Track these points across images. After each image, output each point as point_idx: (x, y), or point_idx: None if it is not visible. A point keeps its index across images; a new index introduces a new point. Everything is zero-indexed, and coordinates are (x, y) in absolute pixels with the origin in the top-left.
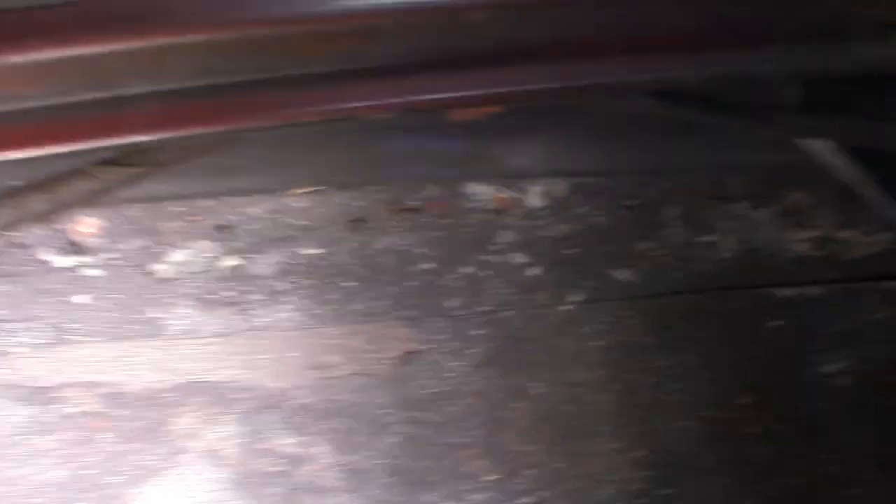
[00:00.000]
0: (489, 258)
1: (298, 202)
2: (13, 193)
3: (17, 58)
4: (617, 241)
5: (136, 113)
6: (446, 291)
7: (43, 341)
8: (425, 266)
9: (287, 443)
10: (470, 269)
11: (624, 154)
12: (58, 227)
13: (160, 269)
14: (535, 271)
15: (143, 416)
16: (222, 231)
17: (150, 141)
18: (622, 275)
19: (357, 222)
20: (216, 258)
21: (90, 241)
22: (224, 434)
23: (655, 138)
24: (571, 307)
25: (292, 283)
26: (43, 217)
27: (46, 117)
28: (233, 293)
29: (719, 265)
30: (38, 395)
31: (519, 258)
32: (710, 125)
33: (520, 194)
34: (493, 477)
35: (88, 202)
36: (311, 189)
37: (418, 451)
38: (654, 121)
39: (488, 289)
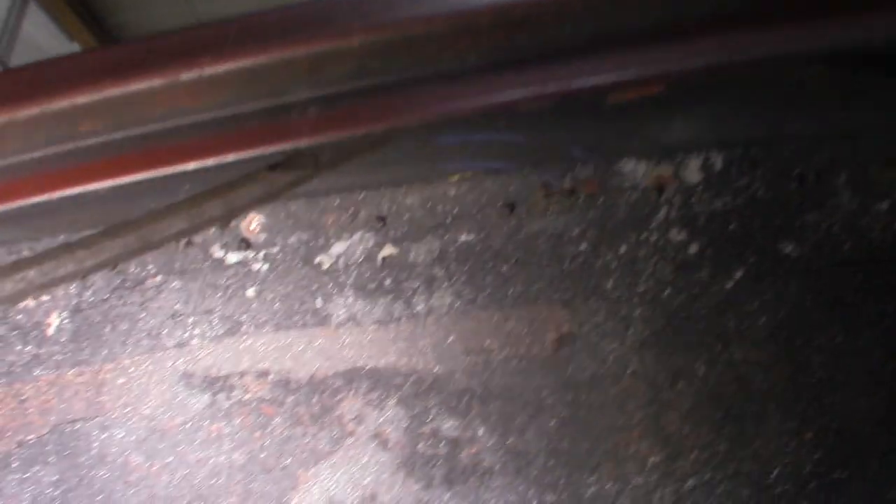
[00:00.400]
0: (646, 237)
1: (452, 189)
2: (190, 201)
3: (185, 75)
4: (781, 213)
5: (299, 119)
6: (602, 272)
7: (217, 333)
8: (581, 247)
9: (449, 426)
10: (626, 249)
11: (787, 121)
12: (228, 223)
13: (322, 260)
14: (695, 248)
15: (311, 402)
16: (380, 221)
17: (314, 145)
18: (788, 248)
19: (510, 206)
20: (375, 248)
21: (256, 237)
22: (388, 418)
23: (820, 103)
24: (734, 284)
25: (449, 269)
26: (218, 221)
27: (216, 129)
28: (392, 281)
29: (894, 234)
30: (215, 383)
31: (677, 235)
32: (882, 86)
33: (676, 169)
34: (657, 459)
35: (259, 205)
36: (464, 176)
37: (579, 433)
38: (821, 86)
39: (646, 268)
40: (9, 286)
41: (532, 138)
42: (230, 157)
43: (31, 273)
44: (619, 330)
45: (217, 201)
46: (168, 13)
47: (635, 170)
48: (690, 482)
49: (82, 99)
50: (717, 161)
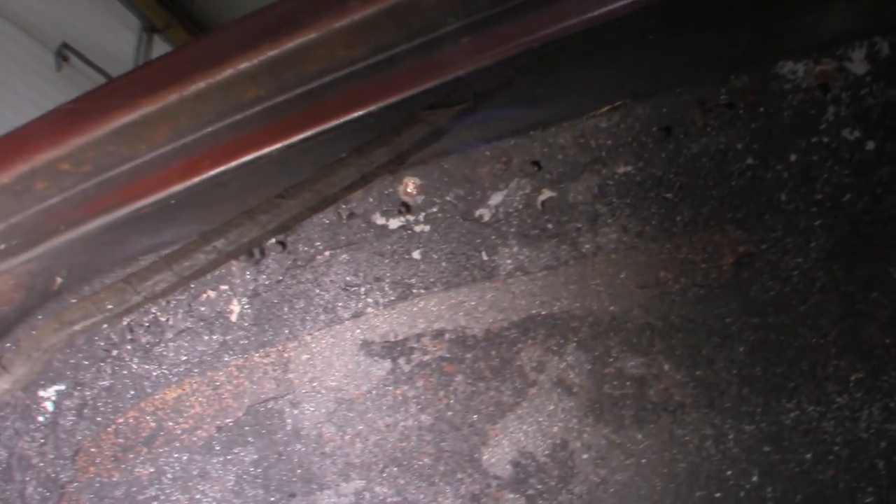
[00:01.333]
0: (817, 140)
1: (603, 122)
2: (358, 152)
3: (339, 23)
4: None
5: (452, 50)
6: (775, 185)
7: (389, 299)
8: (747, 162)
9: (633, 364)
10: (797, 157)
11: None
12: (385, 192)
13: (482, 213)
14: (872, 145)
15: (491, 355)
16: (534, 165)
17: (470, 73)
18: None
19: (666, 130)
20: (533, 193)
21: (415, 200)
22: (569, 363)
23: None
24: None
25: (611, 204)
26: (387, 168)
27: (373, 75)
28: (555, 225)
29: None
30: (394, 348)
31: (851, 134)
32: None
33: (839, 63)
34: (860, 375)
35: (424, 147)
36: (614, 105)
37: (771, 358)
38: None
39: (821, 174)
40: (202, 258)
41: (678, 54)
42: (392, 100)
43: (220, 242)
44: (800, 244)
45: (384, 149)
46: None
47: (795, 71)
48: None
49: (246, 64)
50: (884, 47)
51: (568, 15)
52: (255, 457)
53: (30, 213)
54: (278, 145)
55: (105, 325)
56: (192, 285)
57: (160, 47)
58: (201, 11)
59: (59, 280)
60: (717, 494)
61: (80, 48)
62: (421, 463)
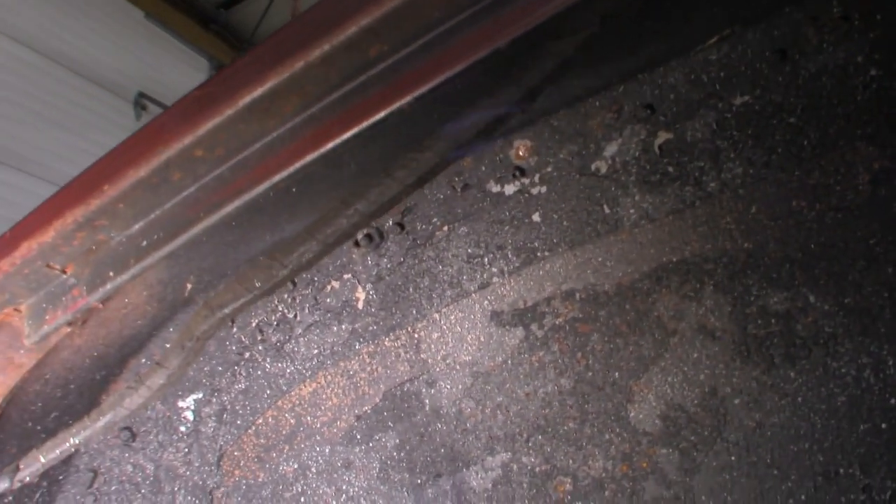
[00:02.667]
0: None
1: (713, 54)
2: (484, 95)
3: None
4: None
5: None
6: None
7: (514, 266)
8: (870, 73)
9: (776, 300)
10: None
11: None
12: (497, 158)
13: (598, 166)
14: None
15: (625, 309)
16: (646, 109)
17: None
18: None
19: (781, 53)
20: (648, 138)
21: (528, 162)
22: (708, 307)
23: None
24: None
25: (732, 138)
26: (521, 107)
27: (493, 14)
28: (675, 167)
29: None
30: (525, 315)
31: None
32: None
33: None
34: None
35: (554, 78)
36: (722, 35)
37: None
38: None
39: None
40: (344, 222)
41: None
42: (516, 34)
43: (361, 204)
44: None
45: (513, 87)
46: None
47: None
48: None
49: (368, 20)
50: None
51: None
52: (397, 441)
53: (168, 206)
54: (407, 99)
55: (253, 307)
56: (316, 278)
57: None
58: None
59: (188, 287)
60: (884, 425)
61: (156, 95)
62: (566, 428)
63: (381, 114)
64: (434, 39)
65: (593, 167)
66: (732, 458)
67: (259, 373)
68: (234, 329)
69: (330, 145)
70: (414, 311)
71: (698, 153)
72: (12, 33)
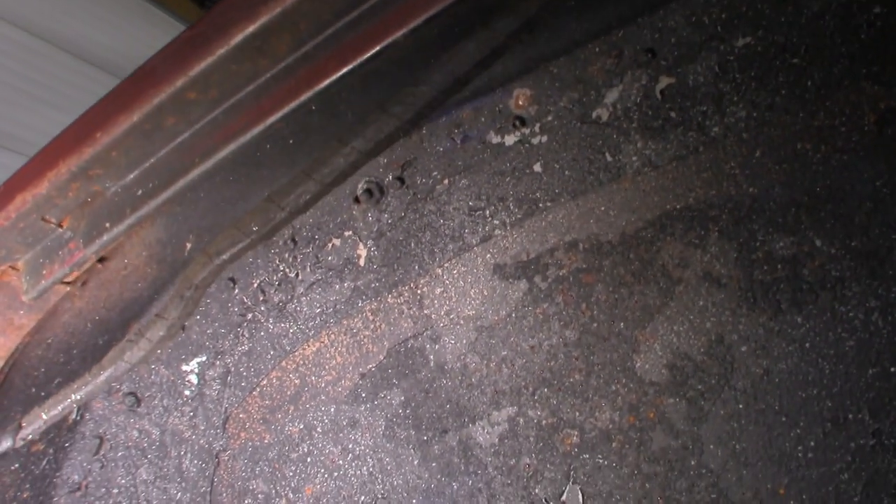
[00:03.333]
0: None
1: None
2: (481, 26)
3: None
4: None
5: None
6: None
7: (516, 217)
8: (875, 11)
9: (782, 245)
10: None
11: None
12: (496, 108)
13: (599, 113)
14: None
15: (629, 259)
16: (647, 54)
17: None
18: None
19: None
20: (650, 83)
21: (527, 112)
22: (714, 254)
23: None
24: None
25: (735, 80)
26: (519, 39)
27: None
28: (678, 112)
29: None
30: (528, 267)
31: None
32: None
33: None
34: None
35: (552, 6)
36: None
37: None
38: None
39: None
40: (342, 161)
41: None
42: None
43: (357, 142)
44: None
45: (510, 17)
46: None
47: None
48: None
49: None
50: None
51: None
52: (402, 398)
53: (163, 152)
54: (401, 32)
55: (240, 261)
56: (317, 236)
57: None
58: None
59: (188, 245)
60: (892, 369)
61: None
62: (572, 380)
63: (375, 49)
64: None
65: (594, 115)
66: (740, 405)
67: (262, 333)
68: (236, 290)
69: (325, 83)
70: (416, 267)
71: (701, 97)
72: (2, 14)
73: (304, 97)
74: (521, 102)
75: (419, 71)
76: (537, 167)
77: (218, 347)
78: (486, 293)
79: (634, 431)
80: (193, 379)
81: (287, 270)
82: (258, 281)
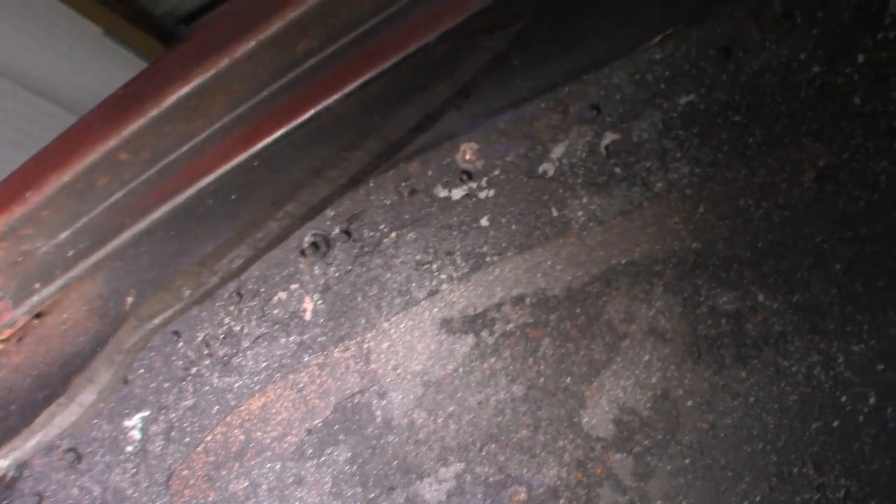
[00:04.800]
0: (883, 36)
1: (657, 53)
2: (417, 91)
3: None
4: None
5: None
6: (848, 89)
7: (463, 272)
8: (814, 70)
9: (725, 300)
10: (865, 56)
11: None
12: (443, 162)
13: (546, 168)
14: None
15: (575, 313)
16: (592, 110)
17: None
18: None
19: (724, 51)
20: (595, 139)
21: (475, 166)
22: (659, 309)
23: None
24: None
25: (678, 137)
26: (451, 100)
27: (425, 6)
28: (622, 168)
29: None
30: (475, 322)
31: None
32: None
33: None
34: None
35: (487, 72)
36: (666, 34)
37: (870, 271)
38: None
39: (894, 71)
40: (275, 225)
41: None
42: (446, 28)
43: (291, 206)
44: (883, 146)
45: (446, 82)
46: None
47: None
48: None
49: (295, 13)
50: None
51: None
52: (349, 454)
53: (95, 212)
54: (336, 96)
55: (184, 315)
56: (262, 289)
57: None
58: None
59: (129, 300)
60: (835, 423)
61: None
62: (520, 436)
63: (311, 112)
64: (363, 34)
65: (540, 170)
66: (686, 461)
67: (206, 388)
68: (180, 343)
69: (259, 146)
70: (363, 321)
71: (645, 153)
72: None
73: (238, 159)
74: (468, 157)
75: (354, 135)
76: (484, 221)
77: (161, 402)
78: (433, 348)
79: (582, 488)
80: (136, 434)
81: (232, 324)
82: (203, 334)
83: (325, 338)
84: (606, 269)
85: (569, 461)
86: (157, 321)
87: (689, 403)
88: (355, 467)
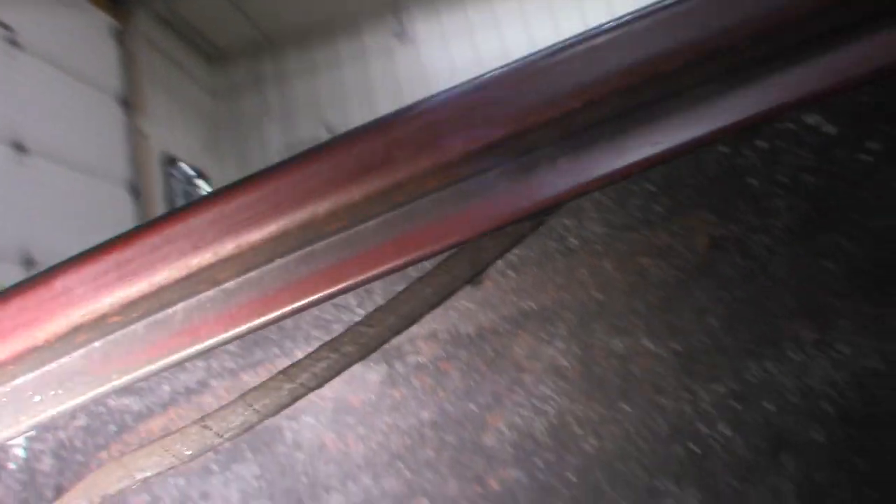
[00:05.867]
0: (783, 127)
1: None
2: (439, 270)
3: (425, 162)
4: None
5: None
6: (743, 170)
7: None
8: (721, 148)
9: (618, 343)
10: (766, 144)
11: None
12: None
13: None
14: (832, 129)
15: (483, 350)
16: None
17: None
18: None
19: None
20: None
21: None
22: (560, 349)
23: None
24: (873, 157)
25: (595, 199)
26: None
27: (462, 203)
28: (543, 224)
29: None
30: (388, 353)
31: (811, 118)
32: None
33: None
34: (813, 336)
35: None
36: None
37: (738, 326)
38: None
39: (784, 158)
40: (285, 394)
41: None
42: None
43: (304, 377)
44: (765, 222)
45: (465, 264)
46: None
47: None
48: None
49: (323, 207)
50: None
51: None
52: (257, 471)
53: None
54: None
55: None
56: None
57: None
58: None
59: None
60: (692, 446)
61: None
62: (426, 455)
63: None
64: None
65: None
66: (574, 479)
67: (102, 409)
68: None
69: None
70: (276, 350)
71: (564, 212)
72: None
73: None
74: None
75: (371, 311)
76: None
77: (54, 423)
78: (346, 376)
79: (480, 499)
80: (20, 453)
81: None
82: None
83: (234, 364)
84: (517, 312)
85: (469, 476)
86: (147, 474)
87: (579, 431)
88: (263, 483)
